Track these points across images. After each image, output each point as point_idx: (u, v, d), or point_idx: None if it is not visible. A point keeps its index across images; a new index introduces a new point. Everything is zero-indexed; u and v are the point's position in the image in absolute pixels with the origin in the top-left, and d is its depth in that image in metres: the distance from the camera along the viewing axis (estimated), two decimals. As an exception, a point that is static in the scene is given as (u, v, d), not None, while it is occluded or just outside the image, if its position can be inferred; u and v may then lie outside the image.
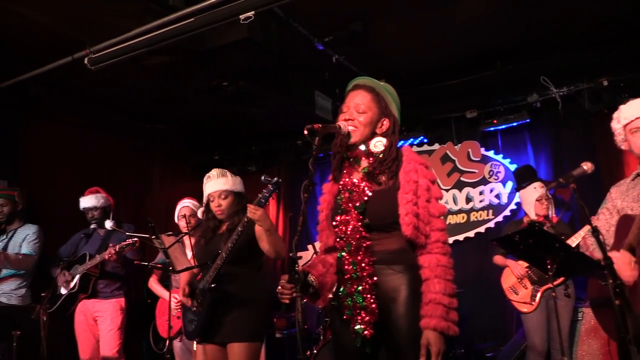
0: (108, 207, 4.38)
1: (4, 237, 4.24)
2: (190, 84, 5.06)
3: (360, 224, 2.06)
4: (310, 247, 5.70)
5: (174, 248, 2.91)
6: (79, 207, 4.36)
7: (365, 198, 2.09)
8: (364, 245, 2.05)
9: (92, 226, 4.30)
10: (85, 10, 3.95)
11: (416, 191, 2.06)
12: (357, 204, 2.08)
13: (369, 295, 2.00)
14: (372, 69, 4.89)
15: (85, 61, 4.17)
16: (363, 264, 2.03)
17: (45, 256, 4.40)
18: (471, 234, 5.76)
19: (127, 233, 3.72)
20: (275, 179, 2.85)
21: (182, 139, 7.07)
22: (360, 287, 2.01)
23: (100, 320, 4.15)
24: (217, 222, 3.20)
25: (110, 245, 3.98)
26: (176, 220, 4.26)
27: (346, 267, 2.06)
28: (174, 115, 6.42)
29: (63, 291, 4.15)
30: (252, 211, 2.81)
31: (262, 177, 2.84)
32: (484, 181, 5.79)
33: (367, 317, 1.99)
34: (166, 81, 5.12)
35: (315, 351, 4.49)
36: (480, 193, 5.79)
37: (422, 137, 6.12)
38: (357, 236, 2.06)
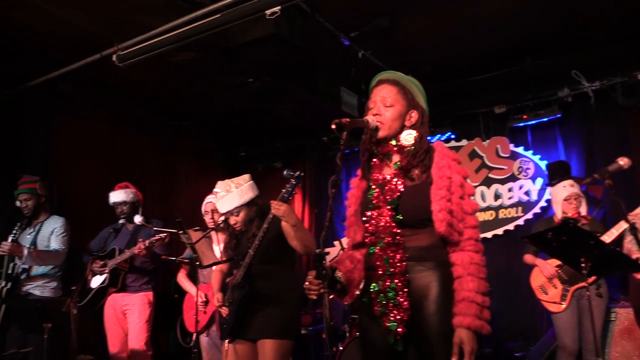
0: (137, 202, 4.43)
1: (32, 230, 4.29)
2: (217, 81, 5.08)
3: (392, 220, 2.03)
4: (337, 243, 5.67)
5: (201, 243, 2.92)
6: (108, 202, 4.42)
7: (398, 194, 2.05)
8: (397, 241, 2.02)
9: (121, 221, 4.35)
10: (113, 7, 3.99)
11: (450, 187, 2.02)
12: (390, 200, 2.05)
13: (401, 293, 1.97)
14: (398, 64, 4.81)
15: (114, 58, 4.21)
16: (396, 261, 2.00)
17: (75, 250, 4.47)
18: (500, 231, 5.66)
19: (155, 228, 3.73)
20: (298, 172, 2.81)
21: (209, 135, 7.12)
22: (393, 284, 1.98)
23: (128, 313, 4.20)
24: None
25: (140, 240, 4.02)
26: (203, 216, 4.29)
27: (378, 263, 2.03)
28: (200, 111, 6.46)
29: (93, 285, 4.21)
30: (276, 207, 2.79)
31: (285, 172, 2.81)
32: (513, 178, 5.68)
33: (400, 315, 1.96)
34: (193, 78, 5.16)
35: (341, 348, 4.47)
36: (509, 190, 5.69)
37: (449, 133, 6.05)
38: (390, 232, 2.02)
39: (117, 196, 4.37)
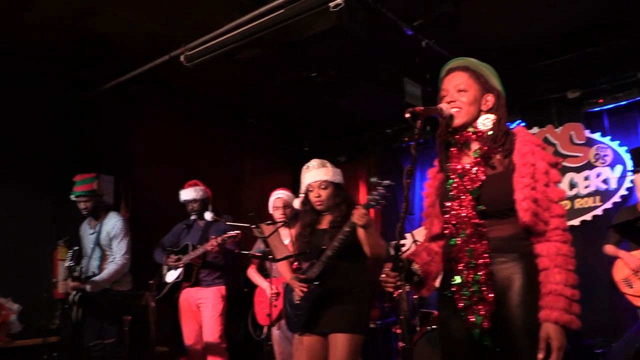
0: (206, 199, 4.52)
1: (93, 230, 4.37)
2: (281, 77, 5.12)
3: (474, 210, 1.97)
4: (408, 235, 5.59)
5: (273, 237, 2.94)
6: (179, 199, 4.55)
7: (479, 183, 1.99)
8: (480, 232, 1.96)
9: (192, 217, 4.46)
10: (179, 9, 4.10)
11: (534, 175, 1.94)
12: (471, 189, 1.99)
13: (486, 286, 1.92)
14: (464, 51, 4.61)
15: (181, 58, 4.33)
16: (479, 253, 1.94)
17: (140, 248, 4.59)
18: (576, 222, 5.38)
19: (227, 223, 3.77)
20: (387, 182, 2.66)
21: (273, 131, 7.22)
22: (477, 277, 1.93)
23: (202, 307, 4.31)
24: (316, 214, 3.16)
25: (212, 237, 4.09)
26: (270, 211, 4.33)
27: (460, 255, 1.98)
28: (265, 108, 6.55)
29: (168, 279, 4.36)
30: (359, 216, 2.70)
31: (373, 179, 2.72)
32: (589, 165, 5.39)
33: (485, 308, 1.91)
34: (257, 75, 5.21)
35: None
36: (586, 178, 5.40)
37: (519, 121, 5.80)
38: (471, 223, 1.97)
39: (187, 194, 4.48)
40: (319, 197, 3.07)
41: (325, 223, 3.15)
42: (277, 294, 4.13)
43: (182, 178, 4.76)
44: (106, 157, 5.29)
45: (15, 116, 4.73)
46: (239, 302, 5.47)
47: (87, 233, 4.42)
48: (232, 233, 4.02)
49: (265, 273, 4.43)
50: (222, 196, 6.22)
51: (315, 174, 3.09)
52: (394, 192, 6.49)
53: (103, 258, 4.33)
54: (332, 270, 2.95)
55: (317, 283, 2.96)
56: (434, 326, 4.41)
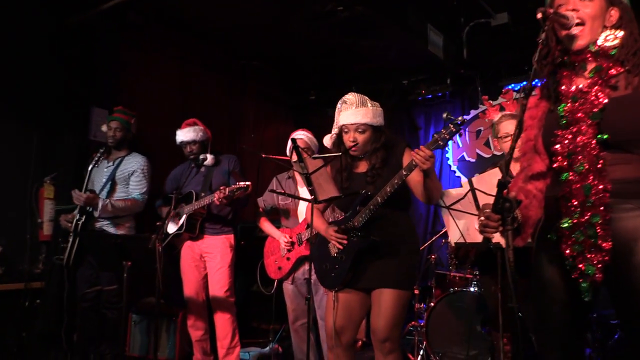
0: (206, 140, 4.04)
1: (110, 164, 4.04)
2: (302, 9, 4.60)
3: (594, 139, 1.62)
4: (464, 183, 5.28)
5: (319, 174, 2.52)
6: (175, 140, 4.07)
7: (602, 106, 1.63)
8: (599, 166, 1.61)
9: (192, 156, 4.02)
10: None
11: None
12: (592, 113, 1.63)
13: (603, 231, 1.59)
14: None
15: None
16: (599, 190, 1.60)
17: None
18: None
19: (263, 155, 3.23)
20: (460, 118, 2.27)
21: (278, 77, 6.73)
22: (596, 218, 1.59)
23: (209, 258, 3.91)
24: (350, 158, 2.76)
25: (222, 188, 3.62)
26: (288, 154, 3.90)
27: (573, 192, 1.64)
28: (272, 50, 5.98)
29: (170, 230, 3.95)
30: (423, 158, 2.27)
31: (445, 115, 2.30)
32: None
33: (599, 257, 1.59)
34: (275, 3, 4.68)
35: (432, 304, 4.13)
36: None
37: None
38: (590, 154, 1.62)
39: (185, 135, 3.98)
40: (354, 141, 2.66)
41: (362, 167, 2.77)
42: (292, 244, 3.76)
43: (178, 117, 4.30)
44: (97, 89, 4.76)
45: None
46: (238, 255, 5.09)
47: (101, 167, 4.04)
48: (241, 184, 3.55)
49: (277, 224, 4.03)
50: (223, 140, 5.81)
51: (353, 114, 2.66)
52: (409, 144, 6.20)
53: (111, 195, 3.93)
54: (378, 219, 2.57)
55: (360, 234, 2.59)
56: (456, 288, 4.16)
